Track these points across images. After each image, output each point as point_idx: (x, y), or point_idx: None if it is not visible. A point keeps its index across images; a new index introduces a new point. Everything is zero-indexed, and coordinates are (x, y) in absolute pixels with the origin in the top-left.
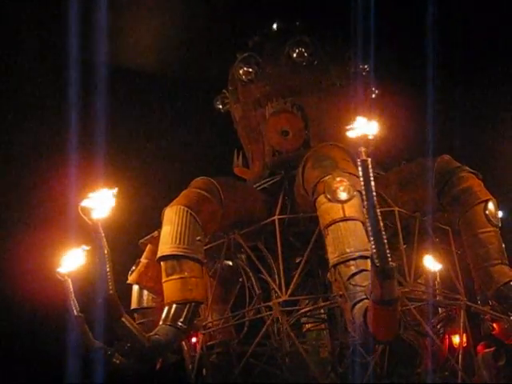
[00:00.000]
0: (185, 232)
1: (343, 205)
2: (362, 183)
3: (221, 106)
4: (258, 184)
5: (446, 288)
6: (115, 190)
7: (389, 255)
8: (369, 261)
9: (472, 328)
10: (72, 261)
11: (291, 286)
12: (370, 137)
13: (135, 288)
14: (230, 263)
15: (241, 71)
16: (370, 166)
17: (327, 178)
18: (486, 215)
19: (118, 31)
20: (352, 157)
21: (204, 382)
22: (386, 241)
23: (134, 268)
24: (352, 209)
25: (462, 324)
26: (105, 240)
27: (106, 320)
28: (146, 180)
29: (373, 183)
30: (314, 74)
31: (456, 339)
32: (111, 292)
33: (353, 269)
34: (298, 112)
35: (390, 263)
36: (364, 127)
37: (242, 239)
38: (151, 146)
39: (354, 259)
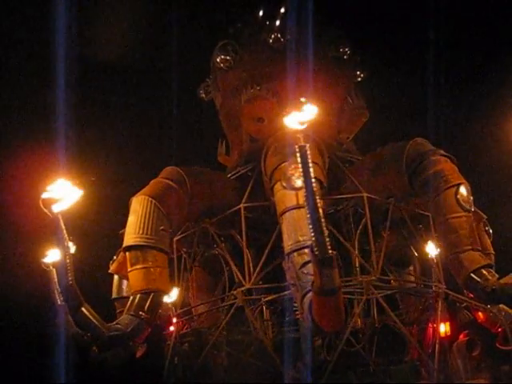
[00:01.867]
0: (148, 222)
1: (297, 192)
2: (301, 169)
3: (204, 95)
4: (233, 172)
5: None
6: (76, 183)
7: (328, 244)
8: None
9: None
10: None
11: (254, 275)
12: (307, 122)
13: (115, 278)
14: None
15: (218, 59)
16: (308, 152)
17: (283, 164)
18: (458, 200)
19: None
20: (317, 143)
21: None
22: (325, 229)
23: (115, 258)
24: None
25: (438, 313)
26: (65, 232)
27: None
28: (129, 170)
29: (311, 170)
30: (293, 60)
31: (441, 328)
32: (71, 282)
33: (305, 257)
34: (274, 98)
35: (330, 252)
36: (303, 112)
37: (214, 228)
38: (132, 135)
39: (307, 247)
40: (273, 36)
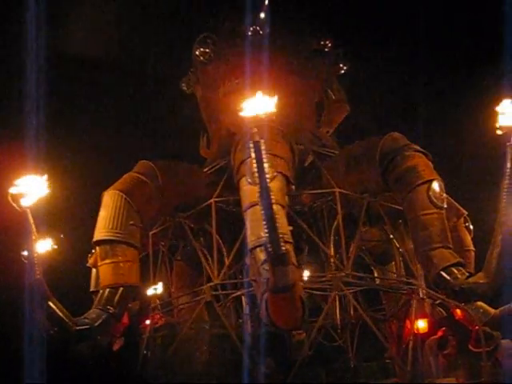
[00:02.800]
0: (118, 217)
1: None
2: (255, 165)
3: (186, 88)
4: (212, 165)
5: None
6: (44, 177)
7: (281, 241)
8: (287, 245)
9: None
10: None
11: (223, 270)
12: (263, 115)
13: (93, 271)
14: None
15: (197, 52)
16: (262, 148)
17: (249, 159)
18: (429, 196)
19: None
20: (286, 137)
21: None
22: (278, 225)
23: (93, 252)
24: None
25: (412, 309)
26: (33, 226)
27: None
28: (106, 163)
29: (266, 165)
30: (270, 53)
31: (419, 324)
32: (38, 277)
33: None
34: (252, 91)
35: (283, 249)
36: (258, 106)
37: (191, 222)
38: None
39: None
40: (251, 29)
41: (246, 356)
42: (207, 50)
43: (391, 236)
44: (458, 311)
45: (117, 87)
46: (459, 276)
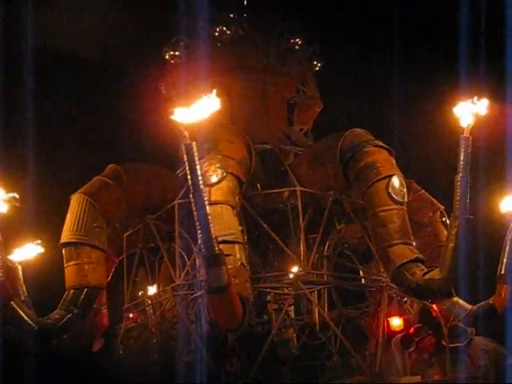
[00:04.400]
0: (82, 219)
1: (210, 188)
2: (187, 167)
3: (164, 91)
4: (182, 168)
5: None
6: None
7: (215, 242)
8: (236, 245)
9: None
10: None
11: (184, 271)
12: (200, 119)
13: None
14: None
15: (167, 55)
16: (194, 149)
17: (201, 161)
18: (388, 192)
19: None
20: (242, 137)
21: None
22: (211, 226)
23: None
24: (218, 192)
25: (382, 306)
26: None
27: None
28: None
29: (198, 167)
30: (239, 53)
31: (394, 321)
32: (1, 279)
33: None
34: (222, 92)
35: (216, 250)
36: (190, 110)
37: (163, 224)
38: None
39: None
40: (218, 29)
41: (199, 356)
42: (177, 53)
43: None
44: (435, 307)
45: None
46: (417, 272)
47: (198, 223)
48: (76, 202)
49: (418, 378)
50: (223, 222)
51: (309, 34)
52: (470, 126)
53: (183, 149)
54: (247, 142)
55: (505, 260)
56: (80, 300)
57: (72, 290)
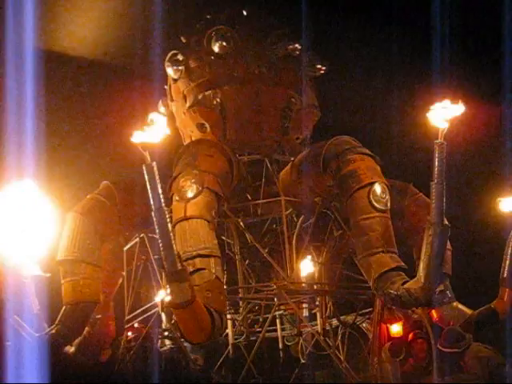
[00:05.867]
0: (76, 237)
1: (186, 204)
2: (148, 187)
3: (163, 109)
4: None
5: None
6: None
7: (177, 258)
8: (212, 259)
9: None
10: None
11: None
12: (157, 140)
13: None
14: None
15: (168, 70)
16: (155, 170)
17: (178, 176)
18: (370, 200)
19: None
20: (223, 150)
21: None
22: (173, 243)
23: None
24: (194, 207)
25: (375, 312)
26: None
27: None
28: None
29: (159, 187)
30: (229, 63)
31: (393, 328)
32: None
33: (190, 268)
34: (216, 104)
35: (178, 266)
36: (152, 130)
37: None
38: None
39: (191, 258)
40: (217, 43)
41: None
42: (179, 68)
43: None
44: (434, 312)
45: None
46: (397, 281)
47: (159, 241)
48: (70, 220)
49: None
50: (198, 236)
51: (305, 41)
52: (444, 131)
53: (144, 169)
54: (227, 155)
55: (507, 263)
56: (75, 315)
57: (68, 306)
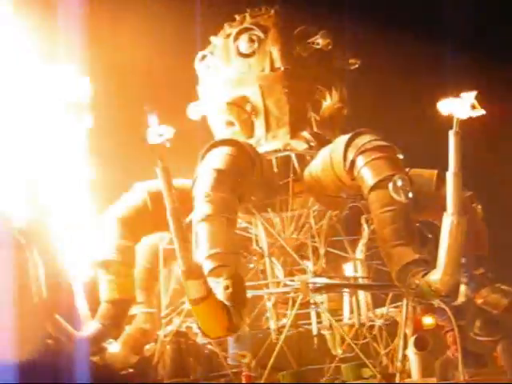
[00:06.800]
0: (109, 239)
1: (205, 203)
2: (163, 189)
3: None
4: None
5: None
6: None
7: (189, 257)
8: (232, 256)
9: None
10: None
11: None
12: (168, 144)
13: None
14: None
15: (199, 70)
16: (168, 172)
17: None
18: (390, 192)
19: None
20: (245, 150)
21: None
22: (188, 242)
23: None
24: (213, 206)
25: (404, 308)
26: None
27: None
28: None
29: (174, 190)
30: (256, 62)
31: (426, 320)
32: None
33: (209, 265)
34: (245, 102)
35: (189, 265)
36: (161, 134)
37: None
38: None
39: (212, 255)
40: (244, 43)
41: None
42: (209, 68)
43: None
44: (477, 297)
45: None
46: (418, 273)
47: (174, 240)
48: (105, 221)
49: (432, 380)
50: (218, 234)
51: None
52: (459, 121)
53: (157, 172)
54: (249, 153)
55: None
56: (111, 313)
57: (104, 304)
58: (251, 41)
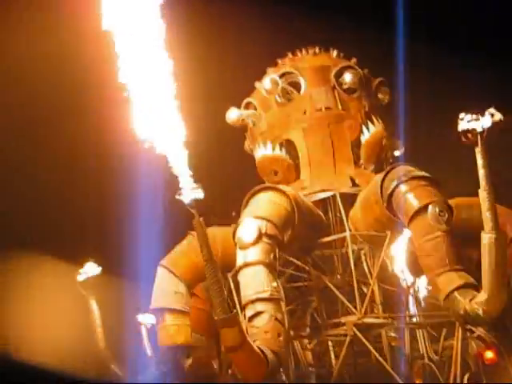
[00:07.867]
0: (163, 288)
1: (246, 251)
2: (199, 241)
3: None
4: None
5: None
6: None
7: (224, 306)
8: (271, 302)
9: None
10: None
11: None
12: (200, 198)
13: None
14: None
15: (245, 117)
16: (202, 225)
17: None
18: (429, 221)
19: None
20: (287, 196)
21: None
22: (223, 291)
23: None
24: (253, 253)
25: (456, 341)
26: None
27: None
28: None
29: (209, 241)
30: (297, 106)
31: (488, 354)
32: None
33: (250, 312)
34: (284, 151)
35: (227, 313)
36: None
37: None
38: None
39: (252, 302)
40: (284, 88)
41: None
42: (253, 115)
43: None
44: None
45: None
46: (465, 298)
47: (210, 289)
48: (157, 273)
49: None
50: (258, 281)
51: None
52: (483, 139)
53: (194, 224)
54: (290, 200)
55: None
56: (167, 358)
57: (163, 350)
58: (292, 85)
